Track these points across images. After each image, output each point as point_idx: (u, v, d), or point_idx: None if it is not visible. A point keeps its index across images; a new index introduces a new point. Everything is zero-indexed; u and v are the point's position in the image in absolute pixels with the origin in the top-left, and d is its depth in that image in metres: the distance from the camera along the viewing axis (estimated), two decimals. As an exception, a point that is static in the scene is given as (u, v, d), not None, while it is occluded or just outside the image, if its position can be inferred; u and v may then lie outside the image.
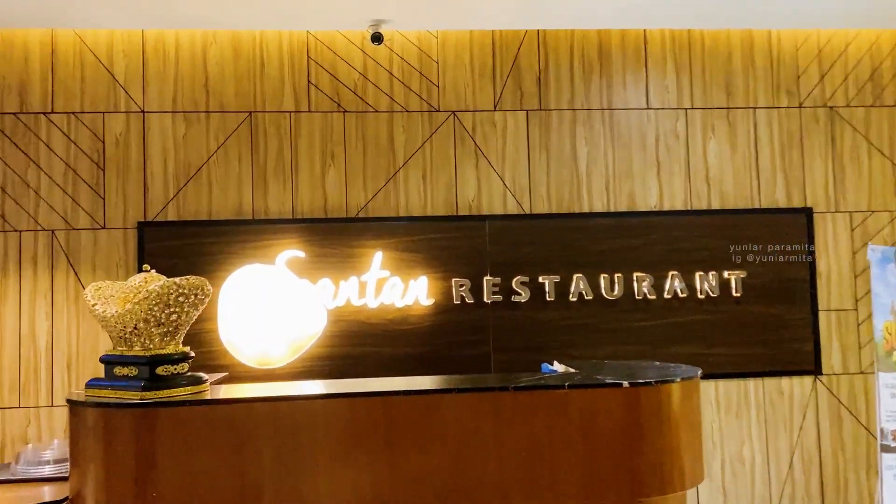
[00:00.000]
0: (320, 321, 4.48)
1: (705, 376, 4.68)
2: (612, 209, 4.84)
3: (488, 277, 4.70)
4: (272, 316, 4.38)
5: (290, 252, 4.55)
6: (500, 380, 3.42)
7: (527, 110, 4.85)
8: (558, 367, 3.80)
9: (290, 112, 4.68)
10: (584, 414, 3.00)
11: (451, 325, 4.67)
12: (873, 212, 4.92)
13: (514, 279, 4.70)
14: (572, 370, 3.59)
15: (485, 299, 4.68)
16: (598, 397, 3.09)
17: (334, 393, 2.98)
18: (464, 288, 4.66)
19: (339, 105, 4.71)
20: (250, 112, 4.66)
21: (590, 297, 4.73)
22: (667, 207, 4.86)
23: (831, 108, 4.96)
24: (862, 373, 4.83)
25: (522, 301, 4.69)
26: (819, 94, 4.96)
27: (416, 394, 2.95)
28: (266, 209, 4.63)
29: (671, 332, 4.76)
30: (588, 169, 4.86)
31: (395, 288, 4.61)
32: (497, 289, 4.69)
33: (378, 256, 4.62)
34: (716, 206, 4.88)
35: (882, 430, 4.17)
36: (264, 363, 4.40)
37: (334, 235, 4.65)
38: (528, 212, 4.79)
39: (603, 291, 4.74)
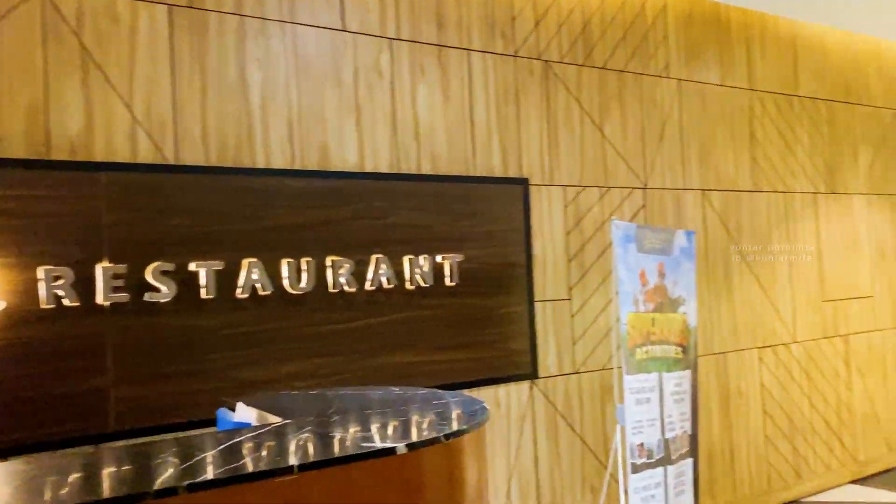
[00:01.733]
0: None
1: (416, 392, 3.55)
2: (299, 166, 3.40)
3: (106, 264, 2.89)
4: None
5: None
6: (133, 479, 1.74)
7: (170, 3, 3.13)
8: (245, 412, 2.27)
9: None
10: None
11: (37, 344, 2.76)
12: (586, 186, 4.31)
13: (150, 267, 2.98)
14: (277, 420, 2.11)
15: (99, 300, 2.87)
16: (353, 479, 1.70)
17: None
18: (61, 282, 2.79)
19: None
20: None
21: (267, 292, 3.23)
22: (369, 168, 3.59)
23: (546, 61, 4.21)
24: (576, 373, 4.18)
25: (163, 301, 2.99)
26: (534, 44, 4.17)
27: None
28: None
29: (376, 335, 3.52)
30: (264, 105, 3.34)
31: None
32: (121, 283, 2.91)
33: None
34: (427, 170, 3.77)
35: (630, 447, 3.49)
36: None
37: None
38: (171, 161, 3.09)
39: (286, 283, 3.28)
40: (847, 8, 5.32)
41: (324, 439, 1.86)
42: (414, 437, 1.81)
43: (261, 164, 3.31)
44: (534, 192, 4.09)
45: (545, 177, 4.15)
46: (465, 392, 3.71)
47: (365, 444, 1.73)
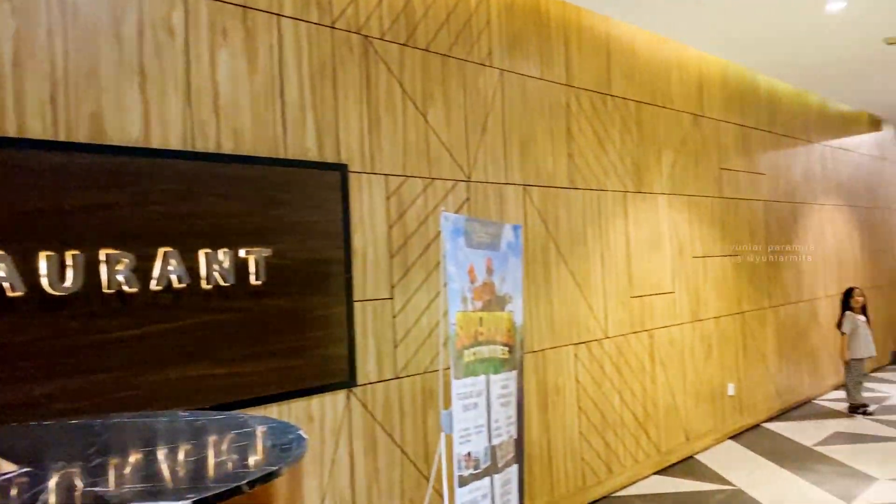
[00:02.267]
0: None
1: (211, 410, 3.05)
2: (64, 137, 2.74)
3: None
4: None
5: None
6: None
7: None
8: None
9: None
10: None
11: None
12: (409, 176, 3.98)
13: None
14: (11, 468, 1.55)
15: None
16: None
17: None
18: None
19: None
20: None
21: (18, 293, 2.56)
22: (156, 144, 3.00)
23: (366, 36, 3.83)
24: (397, 378, 3.84)
25: None
26: (353, 16, 3.77)
27: None
28: None
29: (164, 344, 2.94)
30: (16, 53, 2.65)
31: None
32: None
33: None
34: (229, 149, 3.24)
35: (456, 457, 3.19)
36: None
37: None
38: None
39: (44, 283, 2.62)
40: (652, 9, 5.46)
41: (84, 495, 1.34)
42: (207, 488, 1.35)
43: (11, 133, 2.61)
44: (353, 181, 3.70)
45: (366, 164, 3.77)
46: (274, 407, 3.24)
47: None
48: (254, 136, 3.33)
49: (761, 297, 7.24)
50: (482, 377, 3.39)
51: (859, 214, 9.51)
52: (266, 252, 3.27)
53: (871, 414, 7.18)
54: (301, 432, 1.69)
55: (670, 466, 5.79)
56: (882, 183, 10.30)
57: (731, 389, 6.65)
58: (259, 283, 3.24)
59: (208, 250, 3.09)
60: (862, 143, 9.74)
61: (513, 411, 3.59)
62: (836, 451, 5.96)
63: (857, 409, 7.26)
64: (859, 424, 6.84)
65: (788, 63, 7.10)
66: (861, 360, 7.31)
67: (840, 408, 7.53)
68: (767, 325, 7.32)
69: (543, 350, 4.77)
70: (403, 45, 4.00)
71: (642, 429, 5.58)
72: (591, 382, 5.13)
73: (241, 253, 3.20)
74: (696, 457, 6.03)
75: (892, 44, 6.24)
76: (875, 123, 10.18)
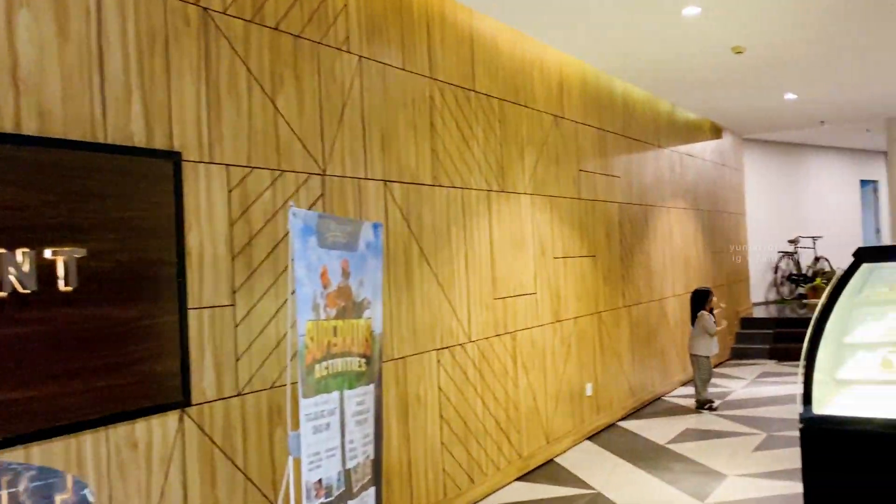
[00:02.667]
0: None
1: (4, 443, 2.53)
2: None
3: None
4: None
5: None
6: None
7: None
8: None
9: None
10: None
11: None
12: (255, 168, 3.56)
13: None
14: None
15: None
16: None
17: None
18: None
19: None
20: None
21: None
22: (-70, 119, 2.43)
23: (205, 9, 3.37)
24: (240, 395, 3.42)
25: None
26: (191, -15, 3.31)
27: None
28: None
29: (-61, 368, 2.38)
30: None
31: None
32: None
33: None
34: (32, 129, 2.70)
35: (306, 485, 2.82)
36: None
37: None
38: None
39: None
40: (512, 4, 5.33)
41: None
42: None
43: None
44: (188, 171, 3.24)
45: (203, 152, 3.32)
46: (88, 435, 2.75)
47: None
48: (65, 116, 2.80)
49: (616, 297, 7.36)
50: (335, 394, 3.05)
51: (703, 217, 9.98)
52: (79, 253, 2.76)
53: (716, 409, 7.48)
54: (87, 493, 1.29)
55: (532, 472, 5.70)
56: (722, 188, 10.89)
57: (588, 389, 6.68)
58: (70, 289, 2.73)
59: (3, 250, 2.55)
60: (705, 149, 10.24)
61: (370, 429, 3.28)
62: (688, 449, 6.11)
63: (703, 405, 7.53)
64: (706, 420, 7.09)
65: (643, 69, 7.25)
66: (709, 357, 7.59)
67: (688, 404, 7.81)
68: (622, 324, 7.45)
69: (405, 357, 4.49)
70: (249, 21, 3.58)
71: (504, 434, 5.44)
72: (453, 389, 4.91)
73: (47, 254, 2.68)
74: (557, 460, 5.99)
75: (738, 53, 6.50)
76: (717, 131, 10.75)
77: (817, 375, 4.12)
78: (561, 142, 6.45)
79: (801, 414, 4.18)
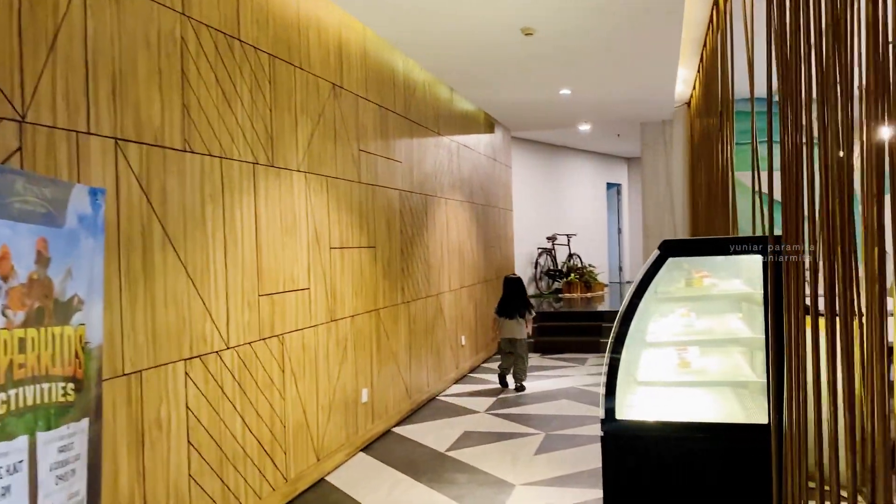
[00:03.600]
0: None
1: None
2: None
3: None
4: None
5: None
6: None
7: None
8: None
9: None
10: None
11: None
12: None
13: None
14: None
15: None
16: None
17: None
18: None
19: None
20: None
21: None
22: None
23: None
24: None
25: None
26: None
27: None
28: None
29: None
30: None
31: None
32: None
33: None
34: None
35: None
36: None
37: None
38: None
39: None
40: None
41: None
42: None
43: None
44: None
45: None
46: None
47: None
48: None
49: (396, 293, 6.76)
50: (22, 440, 2.01)
51: (477, 211, 9.77)
52: None
53: (523, 390, 7.96)
54: None
55: (300, 496, 4.87)
56: (494, 183, 10.82)
57: (364, 395, 5.99)
58: None
59: None
60: (480, 142, 10.05)
61: (80, 484, 2.26)
62: (469, 456, 5.66)
63: (515, 385, 8.01)
64: (484, 422, 6.74)
65: (429, 45, 6.72)
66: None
67: (462, 403, 7.45)
68: (401, 322, 6.87)
69: (140, 372, 3.44)
70: None
71: (269, 456, 4.55)
72: (206, 408, 3.94)
73: None
74: (329, 478, 5.21)
75: (528, 34, 6.19)
76: (490, 125, 10.64)
77: (620, 376, 3.80)
78: (340, 115, 5.67)
79: (602, 420, 3.83)
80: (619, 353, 3.75)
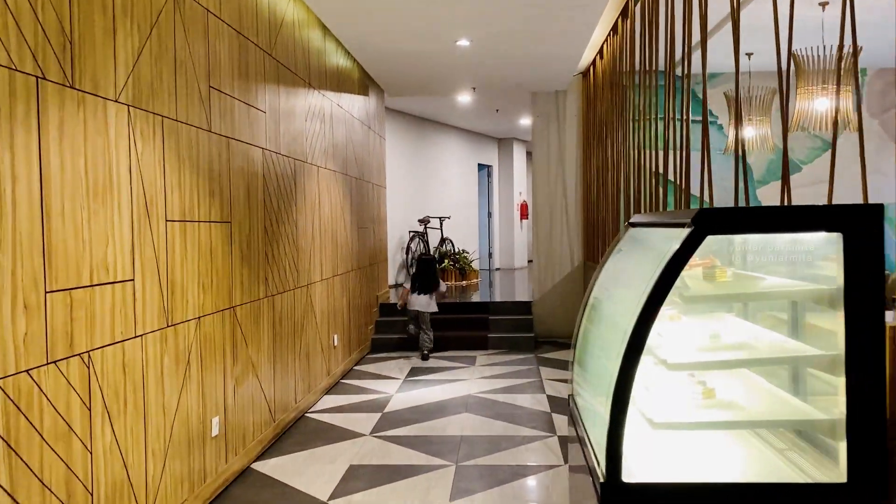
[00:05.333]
0: None
1: None
2: None
3: None
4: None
5: None
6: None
7: None
8: None
9: None
10: None
11: None
12: None
13: None
14: None
15: None
16: None
17: None
18: None
19: None
20: None
21: None
22: None
23: None
24: None
25: None
26: None
27: None
28: None
29: None
30: None
31: None
32: None
33: None
34: None
35: None
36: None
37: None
38: None
39: None
40: None
41: None
42: None
43: None
44: None
45: None
46: None
47: None
48: None
49: (257, 284, 5.14)
50: None
51: (350, 186, 8.24)
52: None
53: (427, 360, 8.42)
54: None
55: None
56: (368, 154, 9.32)
57: (215, 426, 4.37)
58: None
59: None
60: (354, 104, 8.51)
61: None
62: (364, 502, 4.22)
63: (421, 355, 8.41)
64: (372, 450, 5.30)
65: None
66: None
67: (340, 422, 5.96)
68: (263, 322, 5.26)
69: None
70: None
71: (63, 547, 2.88)
72: (-67, 495, 2.23)
73: None
74: (164, 557, 3.58)
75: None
76: (365, 87, 9.11)
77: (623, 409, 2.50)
78: (183, 32, 3.99)
79: (602, 484, 2.53)
80: (630, 381, 2.46)
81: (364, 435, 5.59)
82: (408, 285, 8.76)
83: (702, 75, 4.67)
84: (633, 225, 3.67)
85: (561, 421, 5.80)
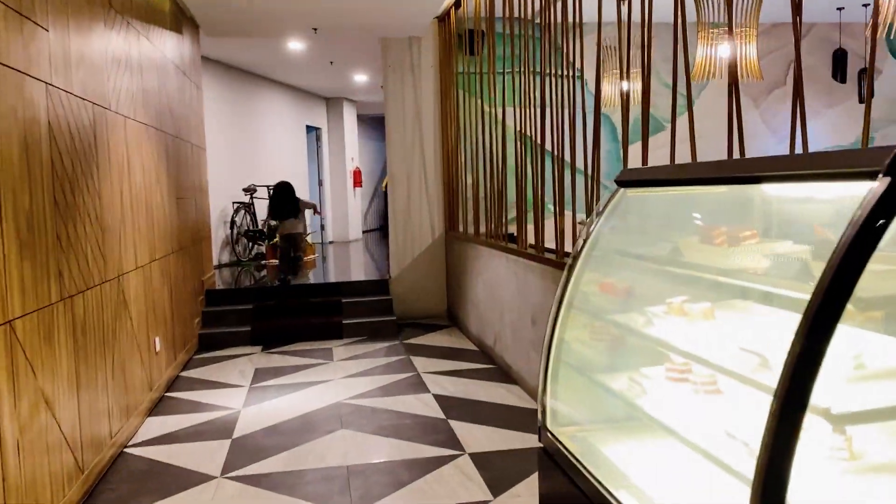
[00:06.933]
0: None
1: None
2: None
3: None
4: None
5: None
6: None
7: None
8: None
9: None
10: None
11: None
12: None
13: None
14: None
15: None
16: None
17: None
18: None
19: None
20: None
21: None
22: None
23: None
24: None
25: None
26: None
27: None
28: None
29: None
30: None
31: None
32: None
33: None
34: None
35: None
36: None
37: None
38: None
39: None
40: None
41: None
42: None
43: None
44: None
45: None
46: None
47: None
48: None
49: (47, 282, 3.51)
50: None
51: (167, 144, 6.53)
52: None
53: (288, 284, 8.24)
54: None
55: None
56: (185, 106, 7.56)
57: (-13, 511, 2.78)
58: None
59: None
60: (166, 43, 6.75)
61: None
62: None
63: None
64: (227, 501, 3.89)
65: None
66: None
67: (176, 459, 4.46)
68: (59, 336, 3.64)
69: None
70: None
71: None
72: None
73: None
74: None
75: None
76: (177, 21, 7.32)
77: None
78: None
79: None
80: (789, 464, 1.39)
81: (213, 477, 4.15)
82: (273, 223, 9.13)
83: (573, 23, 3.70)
84: (635, 184, 2.59)
85: (463, 430, 4.72)
